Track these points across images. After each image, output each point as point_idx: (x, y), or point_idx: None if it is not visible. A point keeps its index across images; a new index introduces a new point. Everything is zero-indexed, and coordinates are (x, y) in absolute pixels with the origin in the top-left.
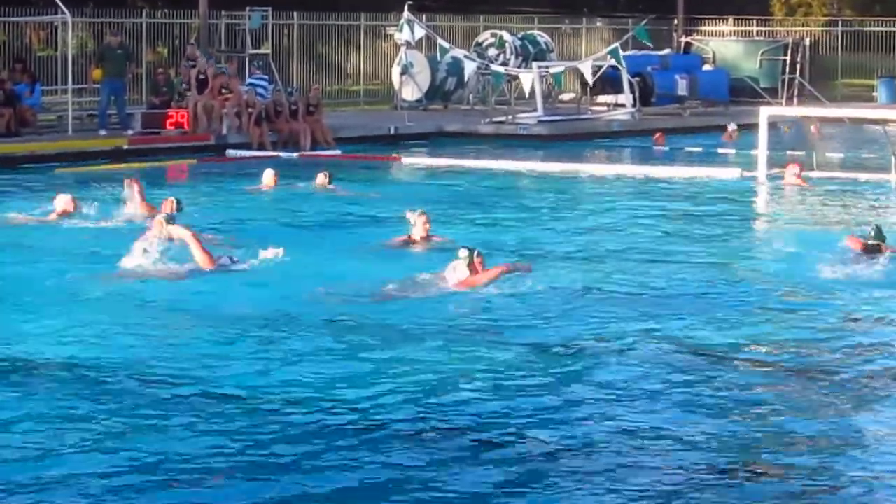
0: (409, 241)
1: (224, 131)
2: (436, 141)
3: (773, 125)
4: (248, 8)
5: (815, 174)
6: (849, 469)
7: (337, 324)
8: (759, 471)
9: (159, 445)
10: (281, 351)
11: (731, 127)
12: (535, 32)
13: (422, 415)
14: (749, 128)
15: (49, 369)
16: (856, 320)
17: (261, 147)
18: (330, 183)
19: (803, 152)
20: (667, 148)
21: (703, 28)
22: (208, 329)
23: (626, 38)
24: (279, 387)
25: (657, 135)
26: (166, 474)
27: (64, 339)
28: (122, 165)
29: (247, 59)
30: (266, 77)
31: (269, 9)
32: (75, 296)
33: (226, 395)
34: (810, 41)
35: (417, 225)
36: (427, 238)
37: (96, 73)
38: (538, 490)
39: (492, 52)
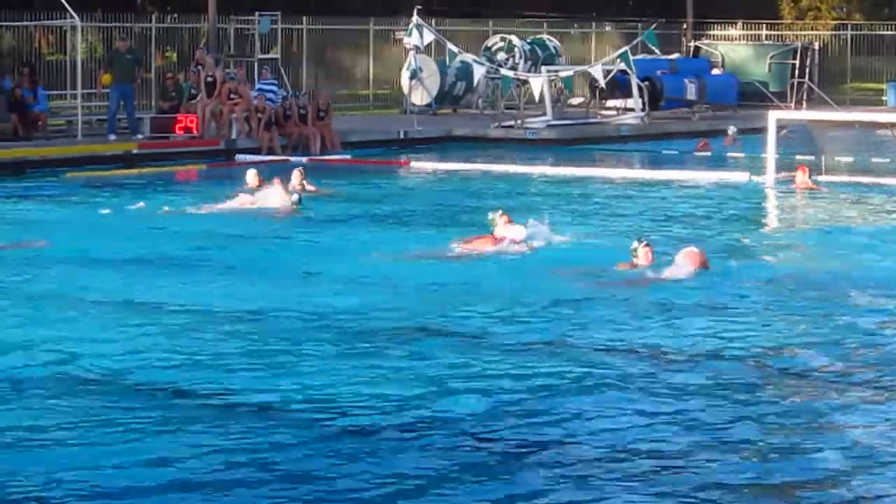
0: (490, 239)
1: (233, 136)
2: (445, 145)
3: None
4: (257, 13)
5: (822, 178)
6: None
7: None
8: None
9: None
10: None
11: (731, 131)
12: (545, 36)
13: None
14: (752, 132)
15: None
16: None
17: (270, 152)
18: (305, 182)
19: (812, 156)
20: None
21: (711, 32)
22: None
23: (635, 42)
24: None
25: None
26: (171, 477)
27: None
28: (133, 170)
29: (256, 63)
30: (275, 81)
31: (279, 13)
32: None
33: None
34: (819, 45)
35: (499, 224)
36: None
37: (105, 78)
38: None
39: (501, 56)
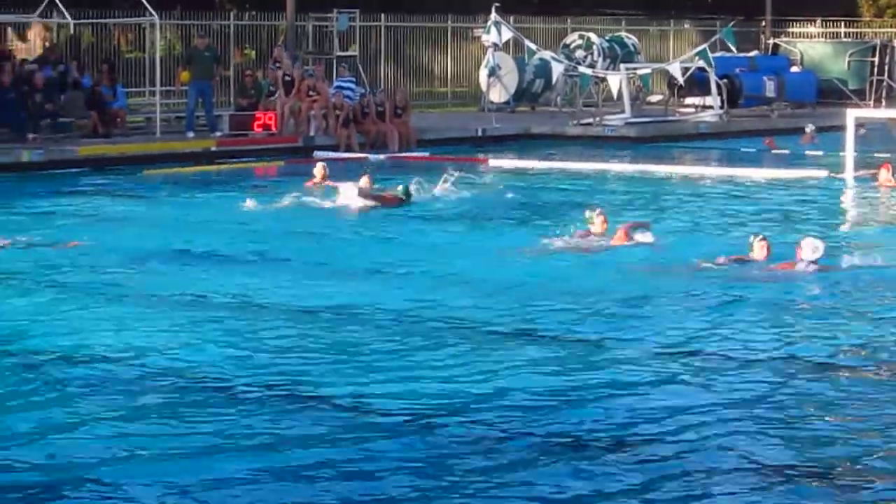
0: (588, 235)
1: (311, 133)
2: (523, 143)
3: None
4: (335, 10)
5: None
6: None
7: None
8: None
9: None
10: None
11: (810, 129)
12: (623, 34)
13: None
14: (831, 129)
15: None
16: None
17: (348, 149)
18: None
19: (889, 154)
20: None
21: (790, 29)
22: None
23: (713, 39)
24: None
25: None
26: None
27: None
28: (211, 167)
29: (334, 60)
30: (353, 79)
31: (357, 11)
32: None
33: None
34: None
35: (596, 223)
36: (603, 234)
37: (184, 75)
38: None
39: (579, 53)
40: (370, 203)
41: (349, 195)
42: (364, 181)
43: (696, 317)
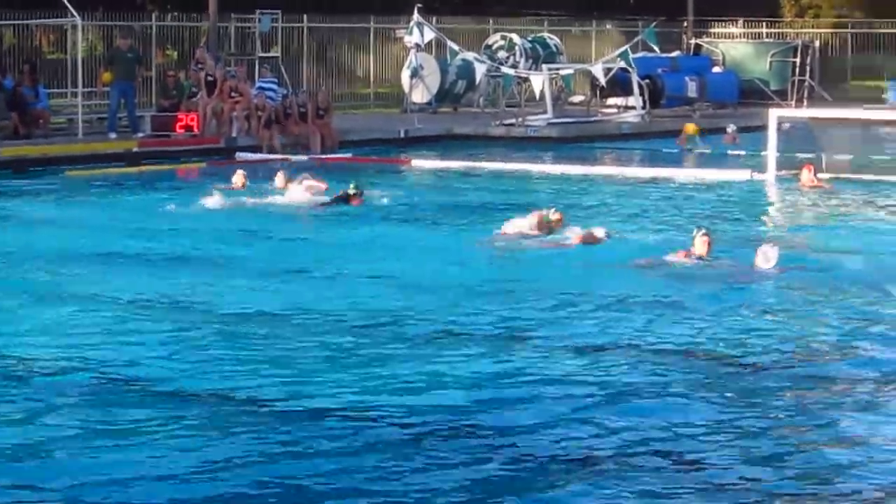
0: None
1: (234, 134)
2: (446, 143)
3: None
4: (257, 11)
5: (824, 175)
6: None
7: None
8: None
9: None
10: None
11: (731, 129)
12: (545, 35)
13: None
14: (754, 130)
15: None
16: None
17: (270, 150)
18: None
19: (812, 154)
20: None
21: (712, 30)
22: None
23: (635, 40)
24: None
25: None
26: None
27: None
28: (133, 169)
29: (256, 61)
30: (276, 80)
31: (279, 12)
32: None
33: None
34: (820, 43)
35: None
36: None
37: (106, 76)
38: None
39: (501, 54)
40: (307, 195)
41: (296, 194)
42: (280, 178)
43: (619, 316)
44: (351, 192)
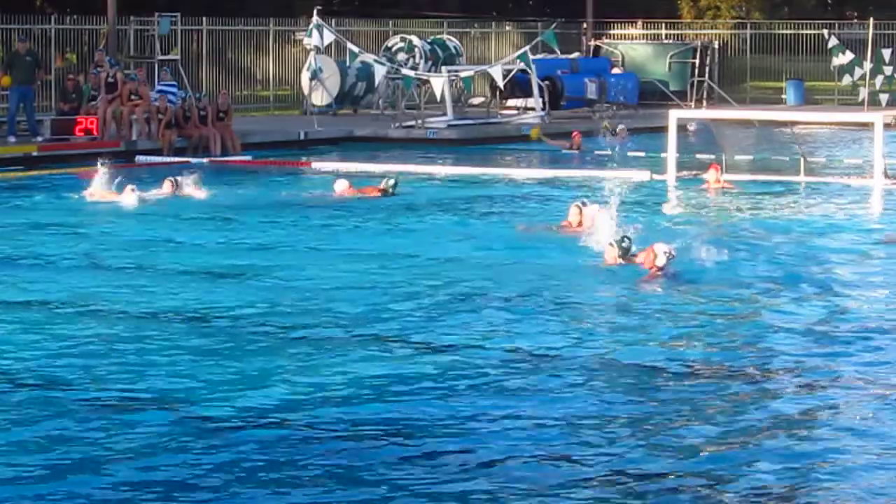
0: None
1: (133, 137)
2: (346, 146)
3: (667, 129)
4: (156, 14)
5: (726, 176)
6: None
7: None
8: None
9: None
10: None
11: (620, 128)
12: (445, 37)
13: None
14: (653, 131)
15: None
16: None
17: (171, 153)
18: (177, 189)
19: (713, 155)
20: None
21: (611, 31)
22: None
23: (535, 42)
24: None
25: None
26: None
27: None
28: (33, 172)
29: (156, 64)
30: (175, 83)
31: (178, 14)
32: None
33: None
34: (719, 44)
35: (572, 213)
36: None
37: (4, 80)
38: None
39: (401, 56)
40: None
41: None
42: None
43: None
44: (386, 186)
